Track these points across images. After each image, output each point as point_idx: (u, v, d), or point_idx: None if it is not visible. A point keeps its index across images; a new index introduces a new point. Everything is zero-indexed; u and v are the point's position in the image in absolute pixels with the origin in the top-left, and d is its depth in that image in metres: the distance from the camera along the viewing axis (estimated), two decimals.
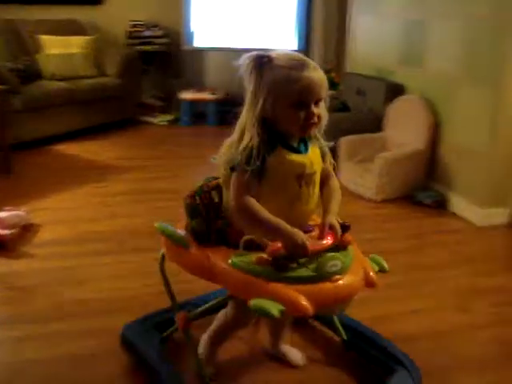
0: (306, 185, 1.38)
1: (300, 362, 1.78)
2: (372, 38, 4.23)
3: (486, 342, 1.97)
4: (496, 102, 2.92)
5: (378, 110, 3.81)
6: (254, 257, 1.31)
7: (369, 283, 1.41)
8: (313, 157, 1.40)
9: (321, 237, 1.38)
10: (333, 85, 4.64)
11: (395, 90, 3.75)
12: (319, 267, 1.29)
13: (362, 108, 3.98)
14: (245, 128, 1.36)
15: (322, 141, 1.45)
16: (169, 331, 1.78)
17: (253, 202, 1.32)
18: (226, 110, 5.22)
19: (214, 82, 5.41)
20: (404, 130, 3.52)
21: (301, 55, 1.37)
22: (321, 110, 1.34)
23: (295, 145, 1.38)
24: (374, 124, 3.73)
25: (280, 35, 5.42)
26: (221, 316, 1.62)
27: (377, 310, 2.10)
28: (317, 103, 1.33)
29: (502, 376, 1.79)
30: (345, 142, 3.56)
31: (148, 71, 5.47)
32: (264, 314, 1.22)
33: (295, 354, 1.79)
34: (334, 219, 1.41)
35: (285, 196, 1.37)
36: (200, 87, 5.34)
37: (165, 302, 2.06)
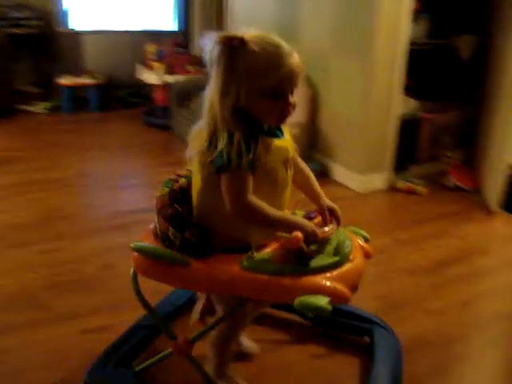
0: (289, 169, 1.33)
1: (256, 350, 1.74)
2: (249, 15, 4.29)
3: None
4: (366, 73, 3.09)
5: None
6: (266, 256, 1.27)
7: (367, 255, 1.41)
8: (289, 140, 1.34)
9: (324, 221, 1.38)
10: None
11: None
12: (338, 250, 1.28)
13: None
14: (215, 118, 1.22)
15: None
16: (146, 364, 1.57)
17: (256, 201, 1.23)
18: (107, 95, 5.08)
19: (94, 65, 5.22)
20: None
21: (275, 37, 1.24)
22: (295, 98, 1.26)
23: (272, 130, 1.30)
24: None
25: (158, 16, 5.34)
26: (218, 332, 1.49)
27: None
28: (293, 91, 1.25)
29: None
30: None
31: (21, 56, 5.14)
32: (316, 310, 1.16)
33: (250, 343, 1.75)
34: (329, 201, 1.42)
35: (276, 184, 1.31)
36: (79, 71, 5.13)
37: (54, 292, 2.04)
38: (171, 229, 1.32)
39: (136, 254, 1.36)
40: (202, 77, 4.39)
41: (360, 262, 1.32)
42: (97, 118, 4.84)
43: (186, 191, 1.41)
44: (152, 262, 1.34)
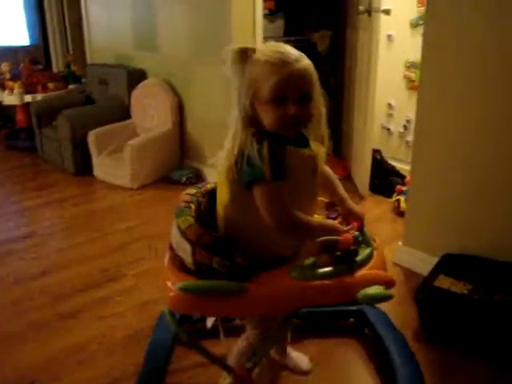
0: (316, 177, 1.31)
1: (307, 367, 1.74)
2: (106, 26, 4.16)
3: None
4: (227, 77, 3.09)
5: (122, 97, 3.78)
6: (310, 262, 1.24)
7: None
8: (316, 149, 1.31)
9: (348, 224, 1.36)
10: (75, 78, 4.48)
11: (137, 76, 3.75)
12: (367, 242, 1.31)
13: (106, 98, 3.91)
14: (239, 131, 1.21)
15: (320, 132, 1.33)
16: None
17: (297, 214, 1.21)
18: None
19: None
20: (150, 114, 3.56)
21: (284, 46, 1.22)
22: (308, 107, 1.20)
23: (296, 140, 1.27)
24: (121, 112, 3.71)
25: (10, 30, 5.02)
26: (243, 347, 1.47)
27: None
28: (303, 100, 1.19)
29: None
30: (93, 135, 3.46)
31: None
32: (382, 299, 1.20)
33: (303, 360, 1.75)
34: (354, 206, 1.41)
35: (305, 193, 1.30)
36: None
37: None
38: (217, 258, 1.21)
39: (174, 293, 1.23)
40: (62, 93, 4.21)
41: (379, 245, 1.37)
42: None
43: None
44: (199, 299, 1.22)
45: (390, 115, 3.62)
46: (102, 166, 3.47)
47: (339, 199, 1.42)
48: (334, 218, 1.41)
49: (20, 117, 4.27)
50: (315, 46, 3.81)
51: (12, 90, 4.17)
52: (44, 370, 1.74)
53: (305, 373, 1.72)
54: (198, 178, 3.42)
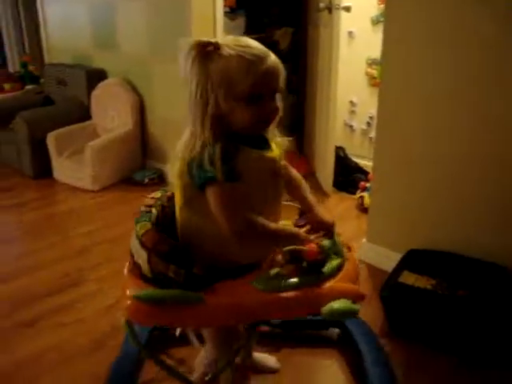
0: (279, 180, 1.25)
1: (275, 365, 1.73)
2: (64, 24, 4.05)
3: None
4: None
5: (82, 98, 3.69)
6: (274, 272, 1.19)
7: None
8: (276, 150, 1.25)
9: (317, 231, 1.28)
10: (33, 79, 4.36)
11: (96, 76, 3.66)
12: (338, 251, 1.24)
13: (65, 99, 3.81)
14: (195, 131, 1.15)
15: (277, 133, 1.27)
16: None
17: (253, 217, 1.14)
18: None
19: None
20: (110, 114, 3.48)
21: (250, 40, 1.17)
22: (277, 103, 1.18)
23: (255, 141, 1.21)
24: (81, 113, 3.62)
25: None
26: (202, 364, 1.44)
27: None
28: (273, 95, 1.16)
29: None
30: (52, 137, 3.37)
31: None
32: (347, 314, 1.16)
33: (269, 359, 1.73)
34: (322, 213, 1.33)
35: (265, 197, 1.23)
36: None
37: None
38: (172, 267, 1.16)
39: (131, 302, 1.17)
40: (19, 94, 4.10)
41: (352, 256, 1.30)
42: None
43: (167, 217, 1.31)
44: (154, 308, 1.16)
45: (353, 112, 3.65)
46: (62, 169, 3.38)
47: (307, 205, 1.35)
48: (302, 226, 1.33)
49: None
50: (277, 44, 3.80)
51: None
52: None
53: (273, 371, 1.71)
54: (160, 178, 3.38)
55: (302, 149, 3.72)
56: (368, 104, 3.44)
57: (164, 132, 3.37)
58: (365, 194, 2.93)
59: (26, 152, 3.47)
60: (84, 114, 3.63)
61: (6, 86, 4.12)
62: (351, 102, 3.61)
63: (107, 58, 3.69)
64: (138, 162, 3.48)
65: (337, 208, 3.03)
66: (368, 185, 2.88)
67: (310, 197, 1.36)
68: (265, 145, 1.23)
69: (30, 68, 4.37)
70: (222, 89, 1.13)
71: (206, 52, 1.13)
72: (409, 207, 2.19)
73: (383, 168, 2.25)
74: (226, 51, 1.13)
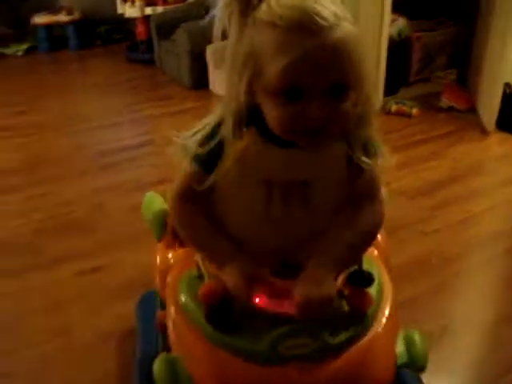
0: (283, 200, 0.85)
1: None
2: None
3: None
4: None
5: None
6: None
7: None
8: (314, 158, 0.84)
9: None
10: None
11: None
12: (273, 342, 0.82)
13: None
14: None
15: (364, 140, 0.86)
16: None
17: (190, 205, 0.89)
18: (86, 32, 4.88)
19: (70, 1, 4.96)
20: None
21: (313, 5, 0.71)
22: (342, 105, 0.76)
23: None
24: None
25: None
26: None
27: None
28: (334, 93, 0.75)
29: None
30: (211, 49, 3.45)
31: None
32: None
33: None
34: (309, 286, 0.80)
35: (247, 210, 0.88)
36: (54, 8, 4.88)
37: (46, 236, 2.01)
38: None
39: None
40: (182, 6, 4.21)
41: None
42: (76, 57, 4.66)
43: None
44: None
45: None
46: (218, 81, 3.46)
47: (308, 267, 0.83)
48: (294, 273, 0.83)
49: (140, 29, 4.35)
50: None
51: (133, 2, 4.23)
52: None
53: None
54: None
55: (465, 82, 3.48)
56: None
57: None
58: None
59: (186, 62, 3.61)
60: None
61: None
62: None
63: None
64: None
65: (497, 149, 2.84)
66: None
67: (338, 252, 0.84)
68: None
69: None
70: (248, 70, 0.77)
71: (246, 6, 0.76)
72: None
73: None
74: (261, 12, 0.75)
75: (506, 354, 1.48)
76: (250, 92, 0.79)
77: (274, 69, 0.73)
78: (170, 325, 0.93)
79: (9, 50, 4.76)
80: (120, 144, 2.88)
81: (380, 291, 0.92)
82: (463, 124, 3.06)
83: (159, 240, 1.13)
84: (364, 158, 0.86)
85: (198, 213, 0.89)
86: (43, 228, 2.10)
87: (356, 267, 0.87)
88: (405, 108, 3.16)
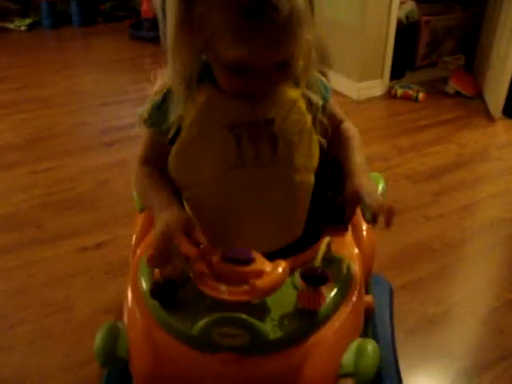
0: (252, 140, 0.88)
1: None
2: None
3: None
4: None
5: None
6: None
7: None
8: (272, 100, 0.89)
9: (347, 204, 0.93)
10: None
11: None
12: (206, 328, 0.78)
13: None
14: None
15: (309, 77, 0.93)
16: None
17: (148, 168, 0.96)
18: (90, 8, 4.83)
19: None
20: None
21: None
22: (286, 72, 0.84)
23: None
24: None
25: None
26: None
27: None
28: (278, 67, 0.81)
29: None
30: None
31: None
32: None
33: None
34: (367, 180, 0.91)
35: (214, 159, 0.89)
36: None
37: (49, 212, 2.02)
38: None
39: None
40: None
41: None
42: (80, 34, 4.60)
43: None
44: None
45: None
46: None
47: (348, 168, 0.95)
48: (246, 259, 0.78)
49: (145, 7, 4.29)
50: None
51: None
52: None
53: None
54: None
55: (472, 67, 3.45)
56: None
57: (329, 33, 3.26)
58: None
59: None
60: None
61: None
62: None
63: None
64: None
65: (503, 136, 2.82)
66: None
67: (358, 158, 0.97)
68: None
69: None
70: (200, 38, 0.79)
71: None
72: None
73: None
74: None
75: (506, 339, 1.48)
76: (200, 50, 0.83)
77: (223, 48, 0.77)
78: (125, 294, 0.94)
79: (13, 25, 4.70)
80: (123, 122, 2.85)
81: (342, 293, 0.88)
82: (469, 110, 3.03)
83: (140, 211, 1.17)
84: (315, 96, 0.93)
85: (151, 173, 0.94)
86: (46, 203, 2.10)
87: (313, 264, 0.83)
88: (411, 92, 3.14)
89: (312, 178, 0.96)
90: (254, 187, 0.91)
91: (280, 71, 0.82)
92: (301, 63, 0.88)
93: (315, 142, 0.95)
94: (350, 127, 1.05)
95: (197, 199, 0.93)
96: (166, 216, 0.82)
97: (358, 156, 0.97)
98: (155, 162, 0.95)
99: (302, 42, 0.81)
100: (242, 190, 0.90)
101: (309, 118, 0.93)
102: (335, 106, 1.04)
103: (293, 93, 0.91)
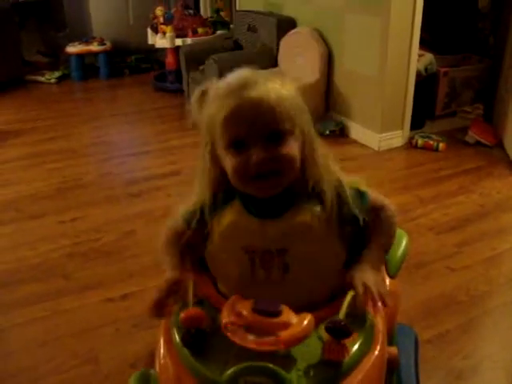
0: (264, 266, 0.96)
1: None
2: None
3: None
4: (383, 27, 2.97)
5: (271, 45, 3.78)
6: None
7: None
8: (288, 227, 0.94)
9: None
10: (224, 24, 4.56)
11: (286, 24, 3.71)
12: (233, 376, 0.80)
13: (254, 45, 3.94)
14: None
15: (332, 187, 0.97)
16: None
17: (169, 228, 1.09)
18: (117, 61, 5.01)
19: (101, 31, 5.12)
20: (298, 63, 3.52)
21: (249, 71, 0.95)
22: (284, 147, 0.89)
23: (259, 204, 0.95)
24: (268, 59, 3.71)
25: None
26: None
27: None
28: (273, 139, 0.89)
29: None
30: None
31: (26, 25, 5.06)
32: None
33: None
34: (367, 275, 0.94)
35: (231, 272, 0.99)
36: (87, 38, 5.03)
37: (76, 262, 2.05)
38: None
39: None
40: (210, 38, 4.31)
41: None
42: (107, 86, 4.77)
43: None
44: None
45: None
46: None
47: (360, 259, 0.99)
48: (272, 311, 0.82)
49: (170, 59, 4.45)
50: (476, 2, 3.55)
51: (164, 33, 4.34)
52: None
53: None
54: (341, 131, 3.38)
55: (491, 117, 3.48)
56: None
57: (350, 84, 3.34)
58: None
59: None
60: (271, 61, 3.70)
61: (200, 30, 4.34)
62: None
63: (298, 7, 3.72)
64: (321, 112, 3.48)
65: None
66: None
67: (373, 255, 1.00)
68: (276, 210, 0.94)
69: (222, 13, 4.56)
70: (208, 140, 0.96)
71: (201, 96, 0.99)
72: None
73: None
74: (214, 92, 0.95)
75: None
76: (216, 159, 0.95)
77: (218, 127, 0.90)
78: (158, 342, 0.98)
79: (44, 78, 4.89)
80: (148, 173, 2.92)
81: (366, 346, 0.90)
82: (490, 159, 3.04)
83: None
84: (357, 212, 0.98)
85: (173, 242, 1.06)
86: (72, 253, 2.14)
87: (337, 317, 0.85)
88: (431, 142, 3.17)
89: (336, 265, 1.01)
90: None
91: (275, 146, 0.89)
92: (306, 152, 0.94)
93: (337, 250, 0.99)
94: (387, 217, 1.05)
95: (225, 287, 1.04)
96: (166, 275, 0.98)
97: (375, 254, 1.01)
98: (178, 233, 1.07)
99: (292, 119, 0.91)
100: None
101: (332, 239, 0.97)
102: (372, 197, 1.05)
103: (307, 215, 0.94)
